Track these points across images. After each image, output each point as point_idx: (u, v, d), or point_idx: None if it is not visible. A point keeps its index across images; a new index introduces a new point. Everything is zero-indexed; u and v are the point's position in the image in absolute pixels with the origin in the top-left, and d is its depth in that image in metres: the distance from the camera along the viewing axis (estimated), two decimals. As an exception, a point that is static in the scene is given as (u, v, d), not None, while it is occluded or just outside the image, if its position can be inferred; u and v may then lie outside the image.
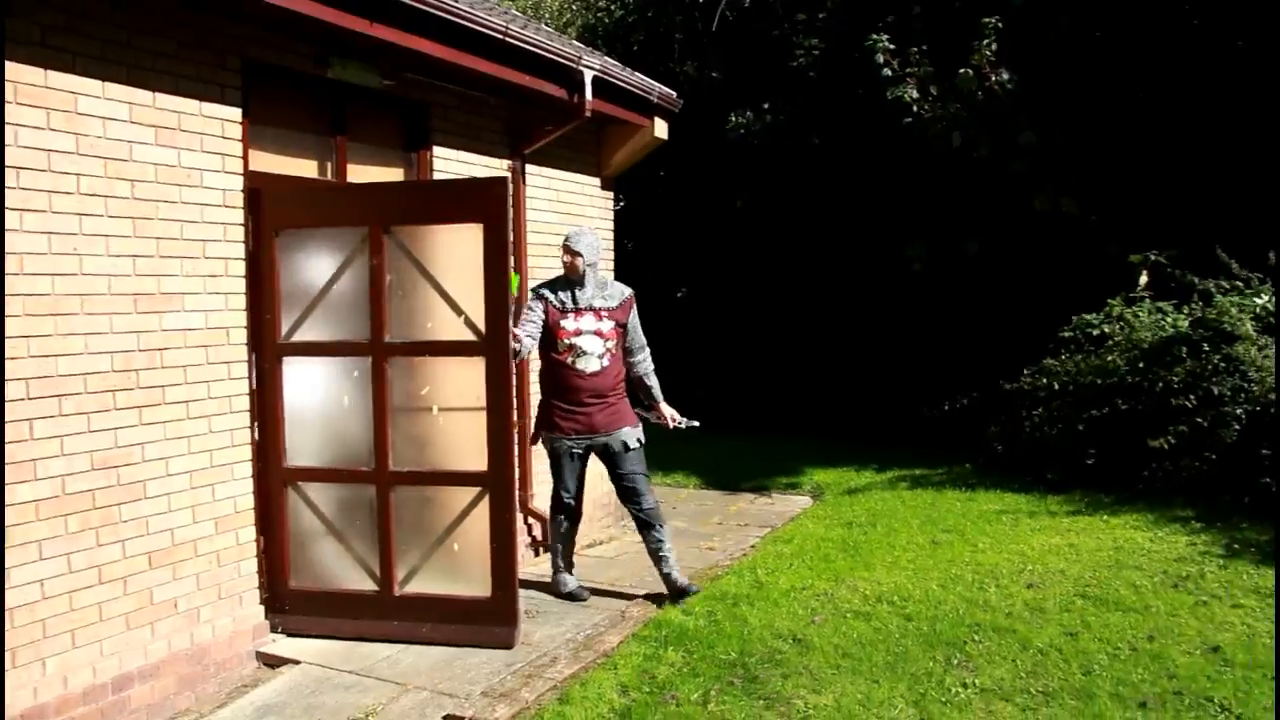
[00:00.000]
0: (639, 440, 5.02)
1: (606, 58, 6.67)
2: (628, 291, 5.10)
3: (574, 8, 16.05)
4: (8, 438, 3.40)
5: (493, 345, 4.49)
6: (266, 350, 4.52)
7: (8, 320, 3.43)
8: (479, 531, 4.56)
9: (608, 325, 4.92)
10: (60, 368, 3.63)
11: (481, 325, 4.53)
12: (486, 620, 4.50)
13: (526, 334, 4.86)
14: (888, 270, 10.60)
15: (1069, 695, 3.66)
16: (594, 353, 4.87)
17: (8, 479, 3.41)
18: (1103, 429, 7.34)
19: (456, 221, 4.59)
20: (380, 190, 4.97)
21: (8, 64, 3.41)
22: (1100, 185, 8.87)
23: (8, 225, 3.40)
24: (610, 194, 7.33)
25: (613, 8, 15.92)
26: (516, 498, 4.78)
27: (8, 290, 3.40)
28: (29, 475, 3.52)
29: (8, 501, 3.43)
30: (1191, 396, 6.86)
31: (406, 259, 4.62)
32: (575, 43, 7.23)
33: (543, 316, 4.91)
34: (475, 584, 4.55)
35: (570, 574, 5.21)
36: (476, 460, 4.53)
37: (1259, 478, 6.26)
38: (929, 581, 5.08)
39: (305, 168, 4.91)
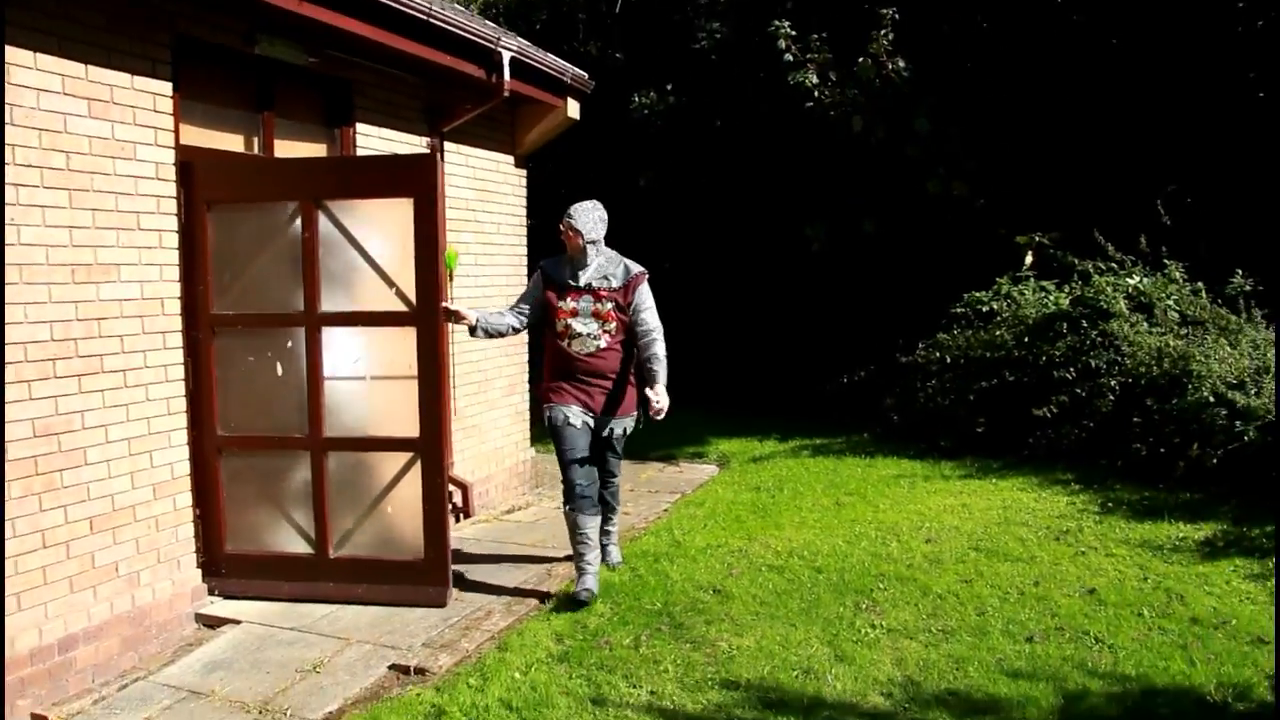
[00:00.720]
0: (626, 430, 4.88)
1: (522, 40, 6.83)
2: (635, 270, 4.76)
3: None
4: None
5: (423, 315, 4.66)
6: (200, 320, 4.59)
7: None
8: (411, 496, 4.73)
9: (607, 306, 4.66)
10: (20, 333, 3.67)
11: (412, 297, 4.69)
12: (420, 580, 4.68)
13: (518, 311, 4.82)
14: (788, 249, 10.99)
15: (965, 633, 4.05)
16: (589, 334, 4.65)
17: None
18: (991, 399, 7.88)
19: (388, 196, 4.73)
20: (313, 165, 5.09)
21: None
22: (989, 170, 9.43)
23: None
24: (524, 171, 7.51)
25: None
26: (446, 463, 4.96)
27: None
28: (-11, 437, 3.56)
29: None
30: (1071, 369, 7.42)
31: (338, 232, 4.73)
32: (492, 24, 7.35)
33: (540, 294, 4.77)
34: (408, 546, 4.73)
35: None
36: (409, 427, 4.70)
37: (1131, 444, 6.81)
38: (835, 538, 5.46)
39: (233, 142, 4.98)
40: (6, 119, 3.67)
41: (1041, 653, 3.82)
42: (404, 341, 4.71)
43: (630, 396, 4.81)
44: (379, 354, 4.86)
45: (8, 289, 3.66)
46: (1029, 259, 8.75)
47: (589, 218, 4.69)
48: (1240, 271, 7.57)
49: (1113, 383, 7.19)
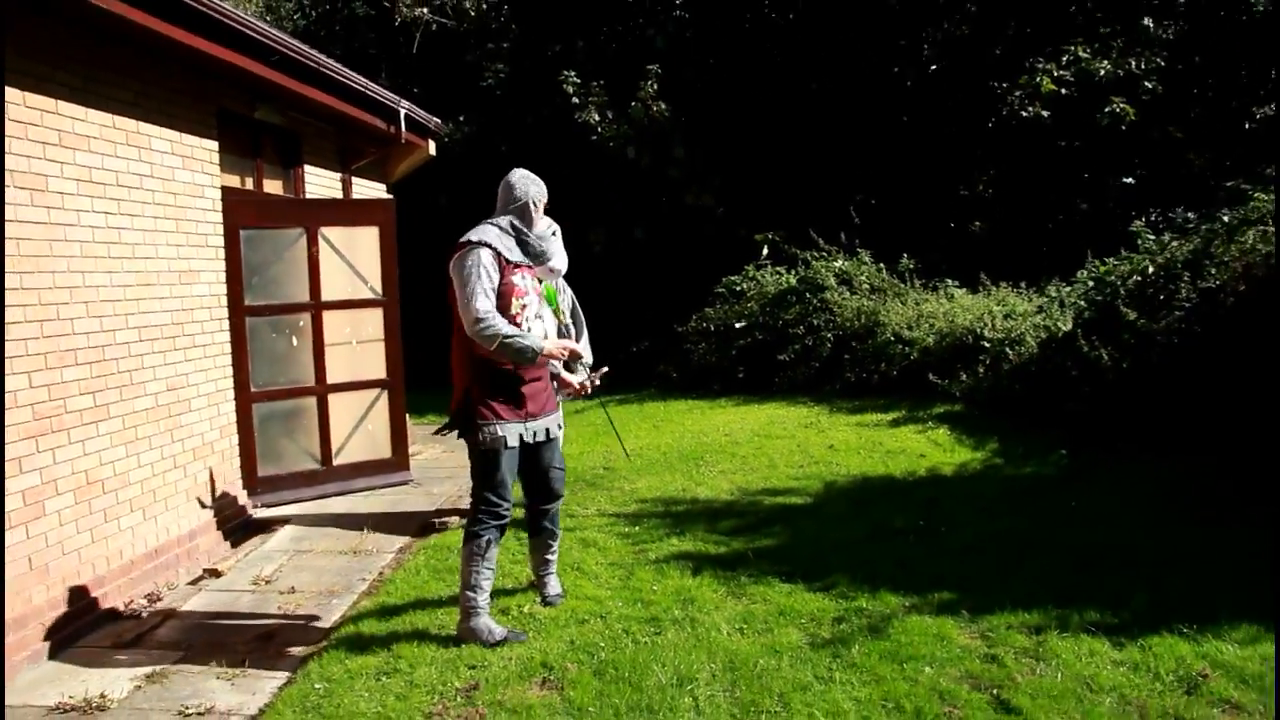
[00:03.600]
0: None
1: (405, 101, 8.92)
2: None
3: (267, 19, 17.37)
4: (120, 358, 5.21)
5: (387, 300, 6.91)
6: (237, 310, 6.47)
7: (126, 289, 5.26)
8: (382, 417, 6.97)
9: (536, 284, 4.28)
10: (148, 321, 5.48)
11: (380, 289, 6.85)
12: (393, 468, 6.98)
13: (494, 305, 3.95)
14: (574, 251, 13.49)
15: (764, 469, 6.80)
16: (544, 317, 4.30)
17: (127, 386, 5.25)
18: (747, 354, 10.82)
19: (363, 225, 6.88)
20: (315, 203, 7.11)
21: (116, 117, 5.23)
22: (731, 185, 12.48)
23: (117, 226, 5.23)
24: (392, 197, 9.55)
25: (298, 20, 17.48)
26: (402, 393, 7.19)
27: (126, 269, 5.22)
28: (139, 393, 5.37)
29: (132, 409, 5.28)
30: (801, 327, 10.47)
31: (329, 247, 6.79)
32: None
33: (498, 275, 3.99)
34: (382, 449, 7.01)
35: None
36: (379, 372, 6.88)
37: (844, 373, 9.93)
38: (664, 439, 8.10)
39: (241, 181, 6.84)
40: (150, 173, 5.47)
41: (809, 470, 6.63)
42: (375, 316, 6.88)
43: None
44: (359, 327, 6.96)
45: (149, 288, 5.47)
46: (765, 251, 11.84)
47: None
48: (905, 254, 10.94)
49: (828, 335, 10.30)
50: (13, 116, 4.37)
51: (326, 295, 6.78)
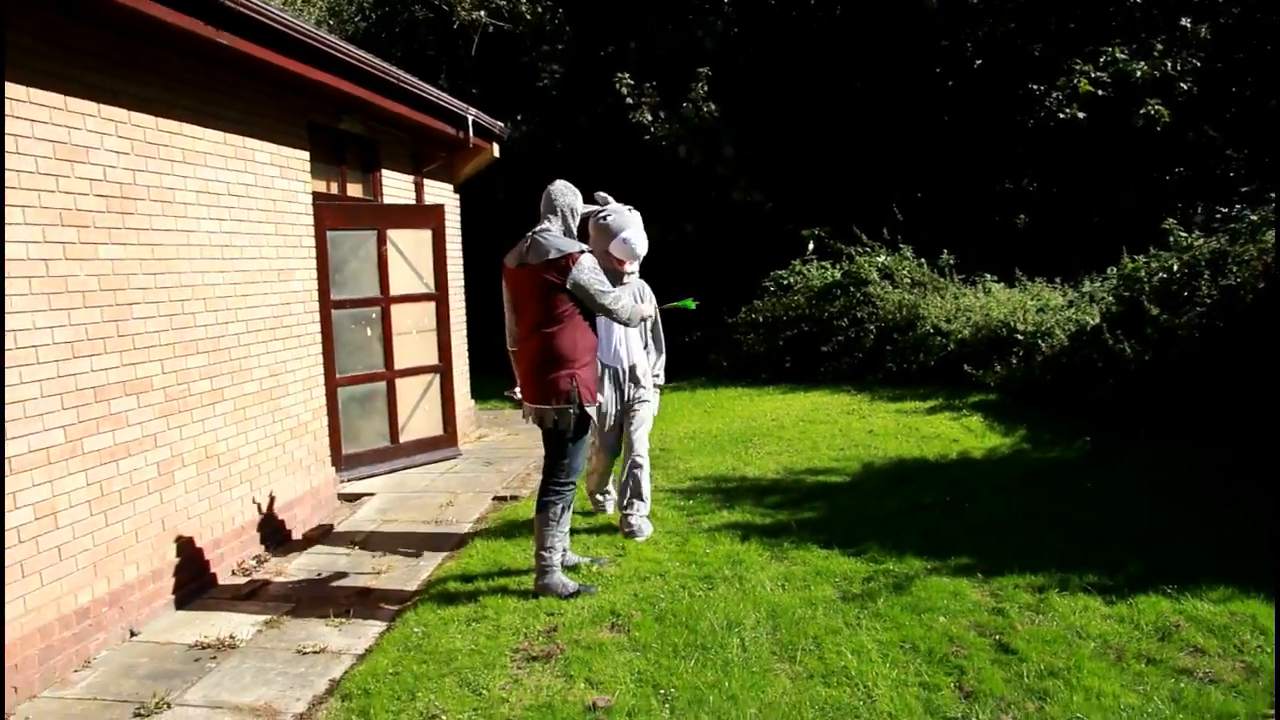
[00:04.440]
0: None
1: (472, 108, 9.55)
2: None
3: (330, 23, 18.15)
4: (231, 347, 5.89)
5: (439, 294, 7.78)
6: (324, 303, 7.14)
7: (236, 286, 5.93)
8: (435, 398, 7.72)
9: None
10: (253, 314, 6.15)
11: (433, 285, 7.55)
12: (445, 444, 7.76)
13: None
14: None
15: (808, 450, 7.33)
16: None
17: (237, 372, 5.93)
18: (793, 344, 11.33)
19: (420, 228, 7.58)
20: (384, 208, 7.77)
21: (226, 134, 5.89)
22: (779, 182, 12.95)
23: (229, 231, 5.90)
24: (458, 196, 10.20)
25: (359, 22, 18.22)
26: (452, 378, 7.93)
27: (235, 268, 5.89)
28: (247, 379, 6.05)
29: (241, 392, 5.95)
30: (845, 319, 10.95)
31: (394, 248, 7.47)
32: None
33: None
34: (436, 427, 7.82)
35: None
36: (434, 358, 7.61)
37: (885, 364, 10.40)
38: (715, 424, 8.64)
39: (328, 186, 7.50)
40: (254, 183, 6.13)
41: (849, 452, 7.15)
42: (430, 309, 7.65)
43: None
44: (417, 319, 7.68)
45: (252, 285, 6.14)
46: (811, 246, 12.32)
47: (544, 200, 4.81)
48: (946, 250, 11.36)
49: (871, 327, 10.77)
50: (148, 139, 5.04)
51: (393, 290, 7.50)
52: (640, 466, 5.57)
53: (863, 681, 3.43)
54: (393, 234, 7.52)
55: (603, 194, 5.60)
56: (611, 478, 6.09)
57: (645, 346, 5.79)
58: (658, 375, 5.84)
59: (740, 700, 3.33)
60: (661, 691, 3.47)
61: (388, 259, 7.47)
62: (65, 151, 4.45)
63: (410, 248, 7.67)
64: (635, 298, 5.53)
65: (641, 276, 5.71)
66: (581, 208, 4.84)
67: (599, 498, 6.09)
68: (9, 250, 4.09)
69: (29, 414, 4.20)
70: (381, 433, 7.58)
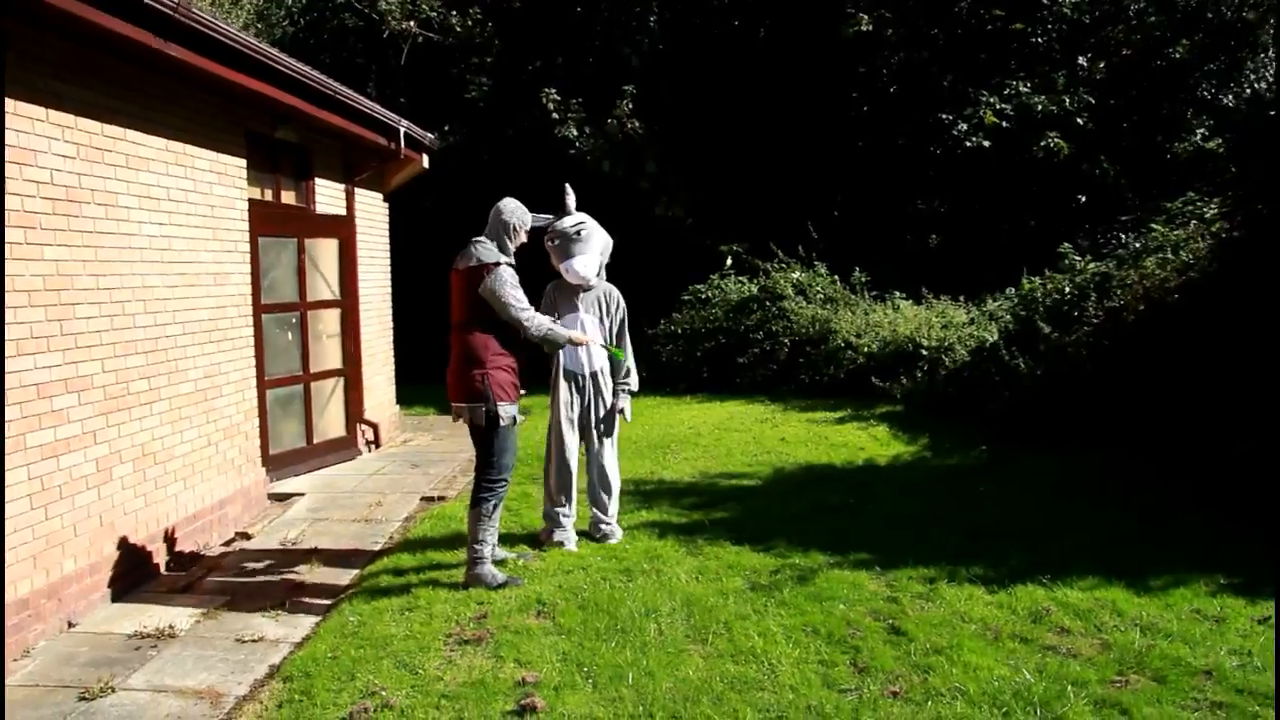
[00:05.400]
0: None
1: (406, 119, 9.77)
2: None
3: (258, 26, 18.07)
4: (169, 348, 6.04)
5: (345, 302, 8.13)
6: (256, 308, 7.31)
7: (174, 289, 6.08)
8: (339, 402, 7.93)
9: None
10: (190, 317, 6.31)
11: (339, 292, 7.83)
12: (347, 446, 7.98)
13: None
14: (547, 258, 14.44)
15: (722, 456, 7.73)
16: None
17: (174, 373, 6.08)
18: (711, 356, 11.77)
19: (330, 237, 7.88)
20: (303, 216, 7.98)
21: (168, 140, 6.05)
22: (699, 199, 13.41)
23: (168, 235, 6.05)
24: (387, 205, 10.39)
25: (287, 27, 18.20)
26: (360, 382, 8.22)
27: (174, 271, 6.05)
28: (183, 379, 6.19)
29: (177, 392, 6.10)
30: (760, 332, 11.43)
31: (309, 257, 7.76)
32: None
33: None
34: (339, 428, 8.07)
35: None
36: (338, 363, 7.89)
37: (799, 375, 10.90)
38: (636, 430, 9.01)
39: (262, 193, 7.66)
40: (193, 189, 6.29)
41: (762, 459, 7.58)
42: (335, 316, 7.95)
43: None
44: (326, 324, 7.94)
45: (191, 289, 6.29)
46: (729, 261, 12.79)
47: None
48: (858, 268, 11.93)
49: (785, 340, 11.26)
50: (94, 144, 5.20)
51: (309, 296, 7.80)
52: (607, 470, 5.69)
53: (768, 660, 3.80)
54: (310, 242, 7.80)
55: (570, 199, 5.82)
56: (575, 494, 5.73)
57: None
58: (626, 382, 5.80)
59: (657, 676, 3.67)
60: (585, 669, 3.79)
61: (305, 266, 7.71)
62: (15, 154, 4.60)
63: (324, 256, 7.99)
64: (599, 303, 5.79)
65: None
66: (527, 223, 5.25)
67: (559, 513, 5.66)
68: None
69: (-25, 409, 4.34)
70: (299, 432, 7.81)
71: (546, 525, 5.76)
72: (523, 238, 5.25)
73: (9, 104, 4.53)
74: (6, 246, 4.53)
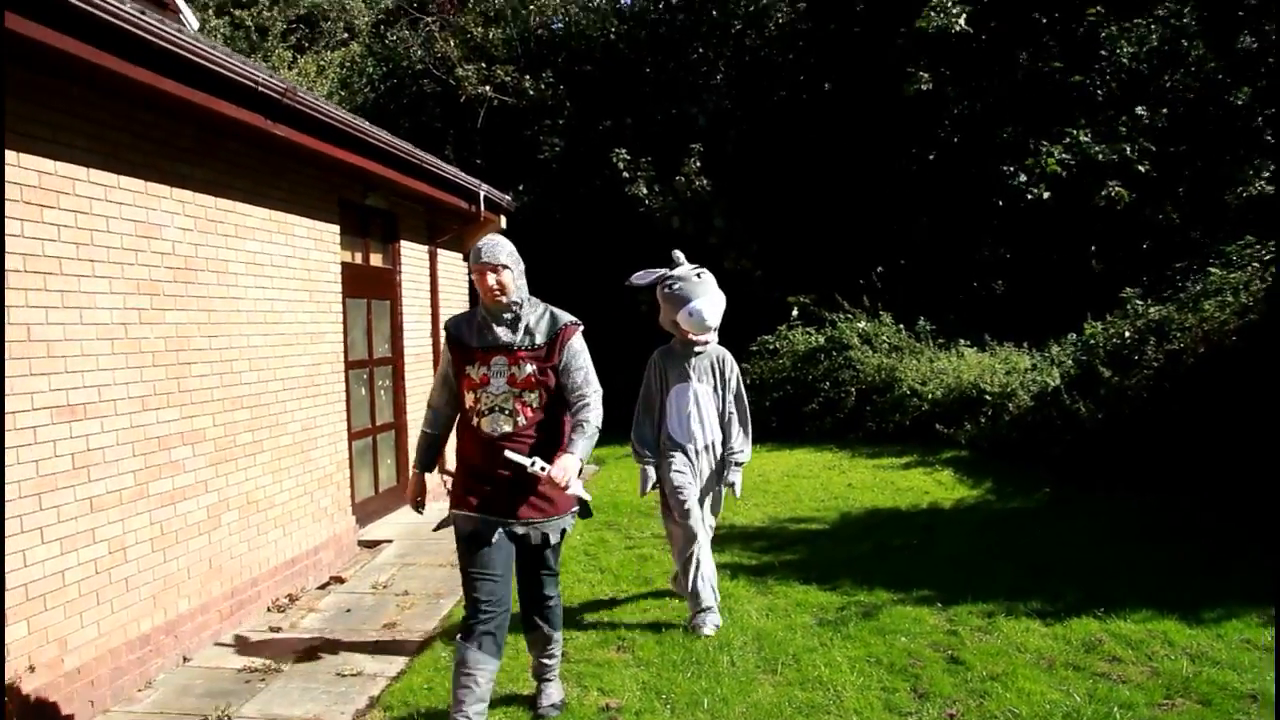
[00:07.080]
0: (565, 532, 3.90)
1: (486, 183, 10.32)
2: (564, 321, 3.79)
3: (341, 94, 19.03)
4: (270, 403, 6.50)
5: (395, 359, 8.52)
6: (345, 363, 7.80)
7: (275, 348, 6.57)
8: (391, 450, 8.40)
9: (527, 370, 3.67)
10: (289, 373, 6.79)
11: (389, 350, 8.28)
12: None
13: (436, 410, 4.05)
14: (622, 312, 14.85)
15: (791, 502, 7.98)
16: (504, 410, 3.66)
17: (275, 426, 6.54)
18: (779, 405, 12.01)
19: (384, 298, 8.39)
20: (375, 274, 8.51)
21: (272, 211, 6.58)
22: (767, 252, 13.73)
23: (271, 298, 6.56)
24: (467, 264, 10.91)
25: (368, 93, 19.11)
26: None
27: (275, 331, 6.54)
28: (283, 432, 6.66)
29: (278, 444, 6.56)
30: (827, 382, 11.65)
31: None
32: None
33: (448, 368, 3.87)
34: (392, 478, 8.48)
35: None
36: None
37: (865, 424, 11.09)
38: (707, 480, 9.24)
39: (353, 257, 8.20)
40: (293, 254, 6.81)
41: (829, 504, 7.79)
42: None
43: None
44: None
45: (289, 345, 6.77)
46: (795, 312, 13.07)
47: (502, 250, 3.68)
48: (923, 317, 12.11)
49: (851, 388, 11.46)
50: (209, 217, 5.73)
51: (376, 353, 8.29)
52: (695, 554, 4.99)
53: (834, 687, 4.05)
54: (373, 302, 8.34)
55: (678, 252, 5.36)
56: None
57: (725, 422, 5.26)
58: (740, 452, 5.22)
59: (730, 702, 3.94)
60: (663, 696, 4.07)
61: (372, 323, 8.24)
62: (143, 229, 5.12)
63: (378, 313, 8.57)
64: (712, 371, 5.21)
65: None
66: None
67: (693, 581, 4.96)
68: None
69: (107, 459, 4.81)
70: (382, 479, 8.30)
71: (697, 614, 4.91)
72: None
73: (141, 184, 5.07)
74: (138, 312, 5.04)
